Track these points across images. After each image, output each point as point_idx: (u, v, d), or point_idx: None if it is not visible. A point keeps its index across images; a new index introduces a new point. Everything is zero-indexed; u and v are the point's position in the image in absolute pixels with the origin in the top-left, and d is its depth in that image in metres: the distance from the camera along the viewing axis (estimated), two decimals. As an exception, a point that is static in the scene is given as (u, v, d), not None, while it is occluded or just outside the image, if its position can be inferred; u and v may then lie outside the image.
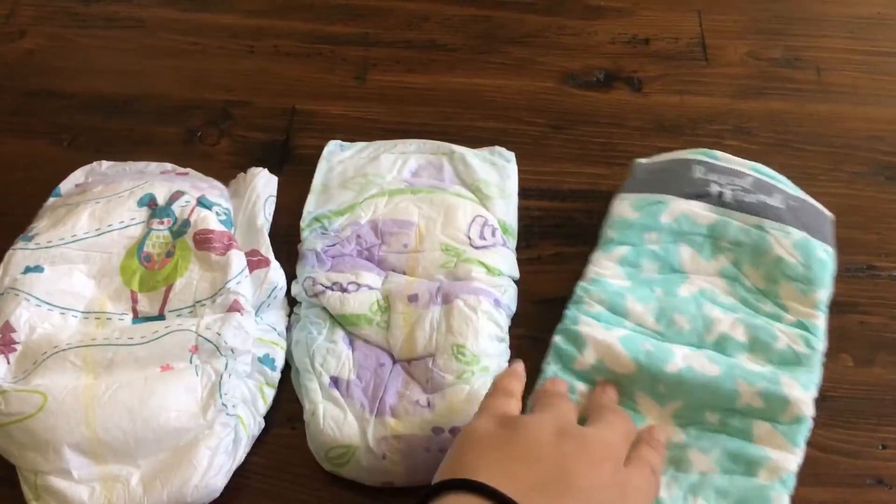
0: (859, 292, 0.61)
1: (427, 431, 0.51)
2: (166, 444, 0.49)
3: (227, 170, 0.65)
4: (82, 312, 0.53)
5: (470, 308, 0.55)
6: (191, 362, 0.51)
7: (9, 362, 0.51)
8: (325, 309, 0.56)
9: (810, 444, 0.54)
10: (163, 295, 0.54)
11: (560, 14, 0.79)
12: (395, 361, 0.54)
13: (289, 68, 0.74)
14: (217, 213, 0.57)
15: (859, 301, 0.61)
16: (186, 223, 0.56)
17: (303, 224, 0.61)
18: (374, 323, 0.55)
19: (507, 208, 0.62)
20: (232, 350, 0.52)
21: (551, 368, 0.54)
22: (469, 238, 0.59)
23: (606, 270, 0.58)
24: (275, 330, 0.57)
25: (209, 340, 0.51)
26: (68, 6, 0.78)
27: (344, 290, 0.56)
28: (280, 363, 0.55)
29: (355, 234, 0.59)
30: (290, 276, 0.59)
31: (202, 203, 0.58)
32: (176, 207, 0.57)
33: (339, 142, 0.67)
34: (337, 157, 0.65)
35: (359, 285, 0.57)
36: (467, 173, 0.63)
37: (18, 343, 0.51)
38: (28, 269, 0.54)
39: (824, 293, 0.56)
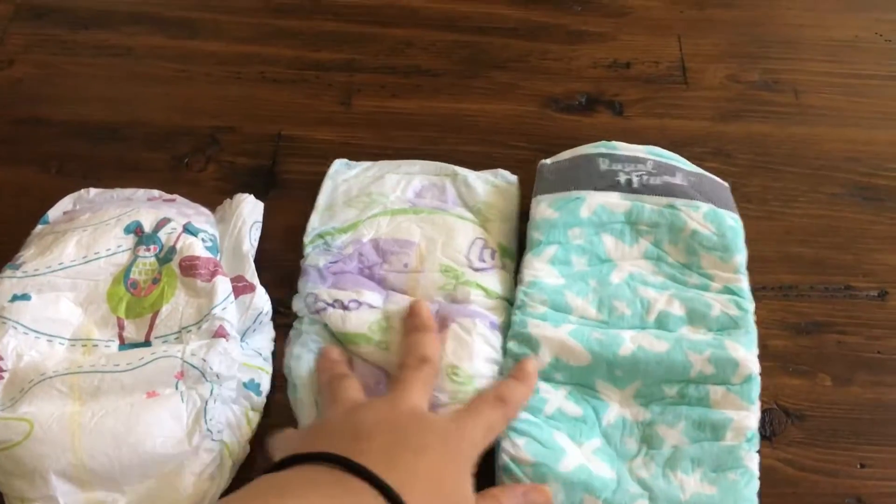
0: (837, 312, 0.62)
1: None
2: (152, 470, 0.50)
3: (214, 195, 0.66)
4: (69, 340, 0.54)
5: (465, 331, 0.56)
6: (176, 388, 0.52)
7: (-4, 390, 0.51)
8: (325, 326, 0.57)
9: (789, 463, 0.55)
10: (149, 321, 0.55)
11: (542, 39, 0.80)
12: None
13: (275, 94, 0.75)
14: (203, 240, 0.58)
15: (837, 321, 0.62)
16: (172, 250, 0.57)
17: (306, 240, 0.62)
18: (374, 342, 0.56)
19: (507, 231, 0.63)
20: (217, 376, 0.52)
21: None
22: (468, 260, 0.60)
23: (540, 272, 0.59)
24: (260, 355, 0.57)
25: (195, 366, 0.52)
26: (57, 34, 0.79)
27: (345, 308, 0.57)
28: (265, 388, 0.56)
29: (357, 251, 0.60)
30: (276, 301, 0.60)
31: (188, 230, 0.58)
32: (162, 234, 0.58)
33: (344, 160, 0.68)
34: (342, 175, 0.66)
35: (360, 303, 0.57)
36: (469, 195, 0.64)
37: (5, 371, 0.52)
38: (15, 297, 0.54)
39: (741, 257, 0.59)
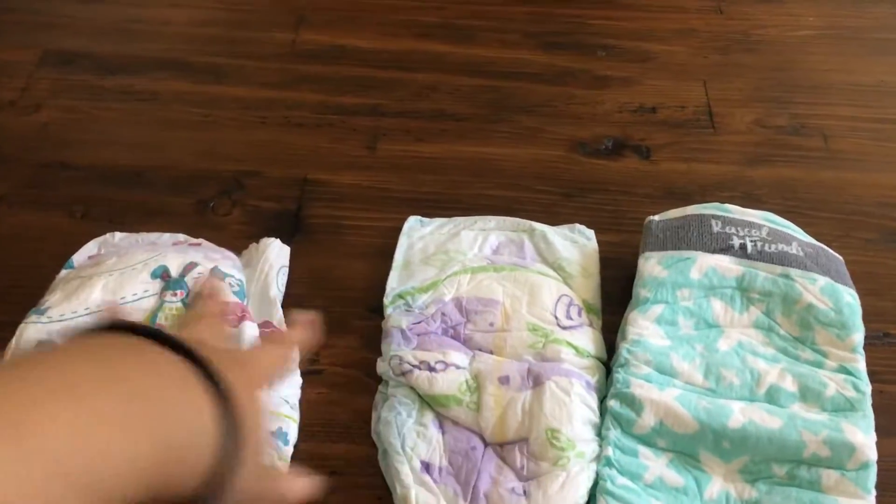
0: (877, 361, 0.60)
1: None
2: (178, 522, 0.48)
3: (239, 240, 0.65)
4: (94, 386, 0.53)
5: (562, 390, 0.54)
6: (203, 437, 0.50)
7: (19, 438, 0.50)
8: (412, 389, 0.55)
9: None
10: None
11: (568, 84, 0.81)
12: (486, 445, 0.53)
13: (300, 139, 0.75)
14: (230, 284, 0.57)
15: (877, 370, 0.60)
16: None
17: (386, 300, 0.60)
18: (464, 404, 0.54)
19: (590, 287, 0.61)
20: (245, 424, 0.51)
21: (612, 434, 0.53)
22: (556, 318, 0.59)
23: (646, 330, 0.57)
24: (287, 403, 0.56)
25: (222, 414, 0.51)
26: (84, 79, 0.79)
27: (432, 370, 0.55)
28: (293, 437, 0.54)
29: (440, 311, 0.59)
30: (303, 347, 0.59)
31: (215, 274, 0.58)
32: (189, 279, 0.57)
33: (418, 217, 0.67)
34: (417, 232, 0.65)
35: (447, 364, 0.56)
36: (549, 251, 0.63)
37: (29, 418, 0.50)
38: (40, 344, 0.53)
39: (859, 336, 0.57)
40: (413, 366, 0.56)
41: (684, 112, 0.78)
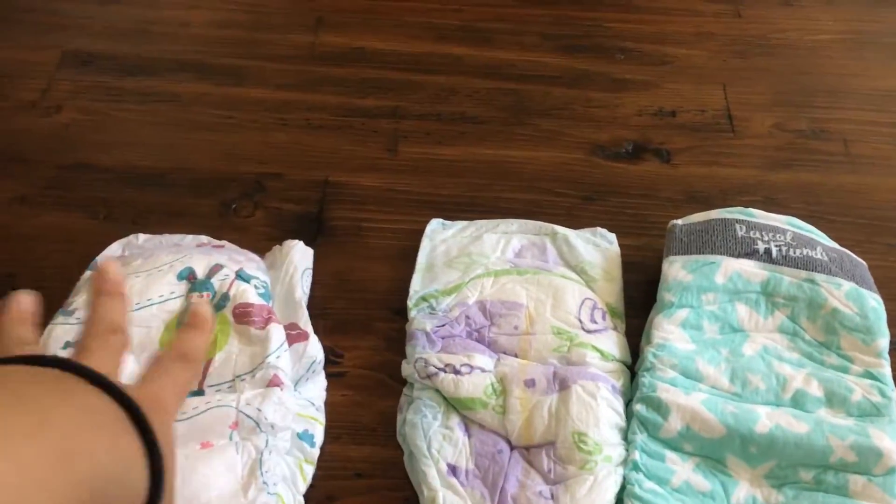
0: (903, 368, 0.60)
1: None
2: (207, 524, 0.48)
3: (261, 242, 0.65)
4: (121, 388, 0.53)
5: (589, 394, 0.54)
6: (231, 439, 0.50)
7: (47, 439, 0.50)
8: (437, 391, 0.55)
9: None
10: (202, 370, 0.54)
11: (586, 87, 0.81)
12: (512, 448, 0.53)
13: (321, 141, 0.75)
14: (256, 287, 0.57)
15: (903, 377, 0.60)
16: (226, 297, 0.56)
17: (410, 303, 0.61)
18: (490, 407, 0.54)
19: (613, 291, 0.61)
20: (272, 426, 0.51)
21: (639, 438, 0.53)
22: (580, 321, 0.59)
23: (671, 334, 0.57)
24: (313, 405, 0.56)
25: (249, 416, 0.51)
26: (104, 81, 0.79)
27: (457, 373, 0.55)
28: (319, 439, 0.55)
29: (464, 314, 0.59)
30: (326, 349, 0.59)
31: (241, 276, 0.58)
32: (215, 281, 0.57)
33: (440, 220, 0.67)
34: (440, 235, 0.65)
35: (472, 367, 0.56)
36: (571, 254, 0.63)
37: (57, 419, 0.51)
38: (67, 345, 0.53)
39: (884, 341, 0.57)
40: (438, 368, 0.56)
41: (704, 116, 0.78)
